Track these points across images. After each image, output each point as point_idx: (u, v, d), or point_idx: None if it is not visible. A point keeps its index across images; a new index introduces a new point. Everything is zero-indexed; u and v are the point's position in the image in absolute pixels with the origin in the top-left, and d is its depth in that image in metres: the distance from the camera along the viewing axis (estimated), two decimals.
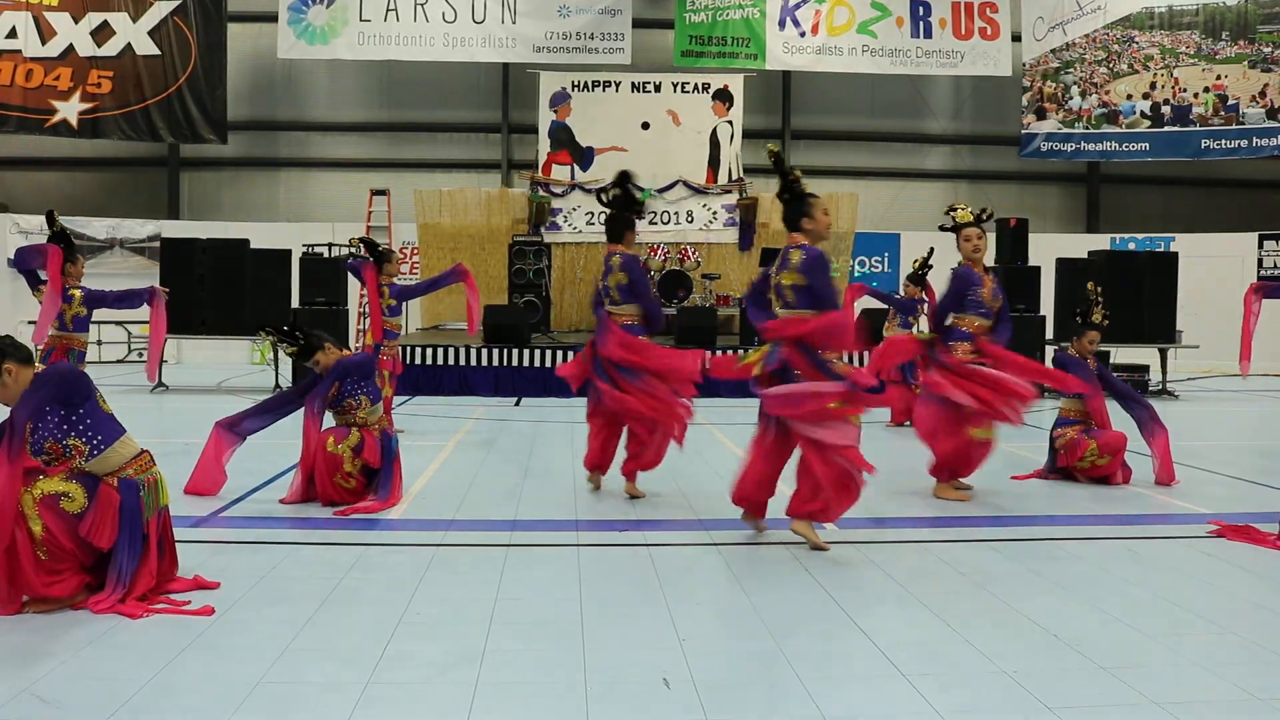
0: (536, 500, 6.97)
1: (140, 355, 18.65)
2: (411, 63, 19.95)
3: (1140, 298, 14.91)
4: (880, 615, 4.48)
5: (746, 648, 4.07)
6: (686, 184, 19.39)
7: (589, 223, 19.05)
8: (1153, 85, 19.97)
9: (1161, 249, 18.74)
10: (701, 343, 13.78)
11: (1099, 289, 8.28)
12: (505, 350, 14.15)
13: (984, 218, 7.38)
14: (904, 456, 8.59)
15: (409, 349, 13.90)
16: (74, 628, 4.13)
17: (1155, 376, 15.13)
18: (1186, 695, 3.60)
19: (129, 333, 18.88)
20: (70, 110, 19.12)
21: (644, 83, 19.57)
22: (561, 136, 19.44)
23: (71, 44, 19.09)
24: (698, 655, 3.93)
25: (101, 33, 19.19)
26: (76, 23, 19.07)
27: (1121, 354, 15.22)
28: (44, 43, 18.99)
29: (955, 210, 7.48)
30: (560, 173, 19.39)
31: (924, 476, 7.53)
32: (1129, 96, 20.10)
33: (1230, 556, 5.58)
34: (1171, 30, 19.90)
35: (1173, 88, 19.83)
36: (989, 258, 14.85)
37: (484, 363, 14.12)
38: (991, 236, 15.43)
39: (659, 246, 18.54)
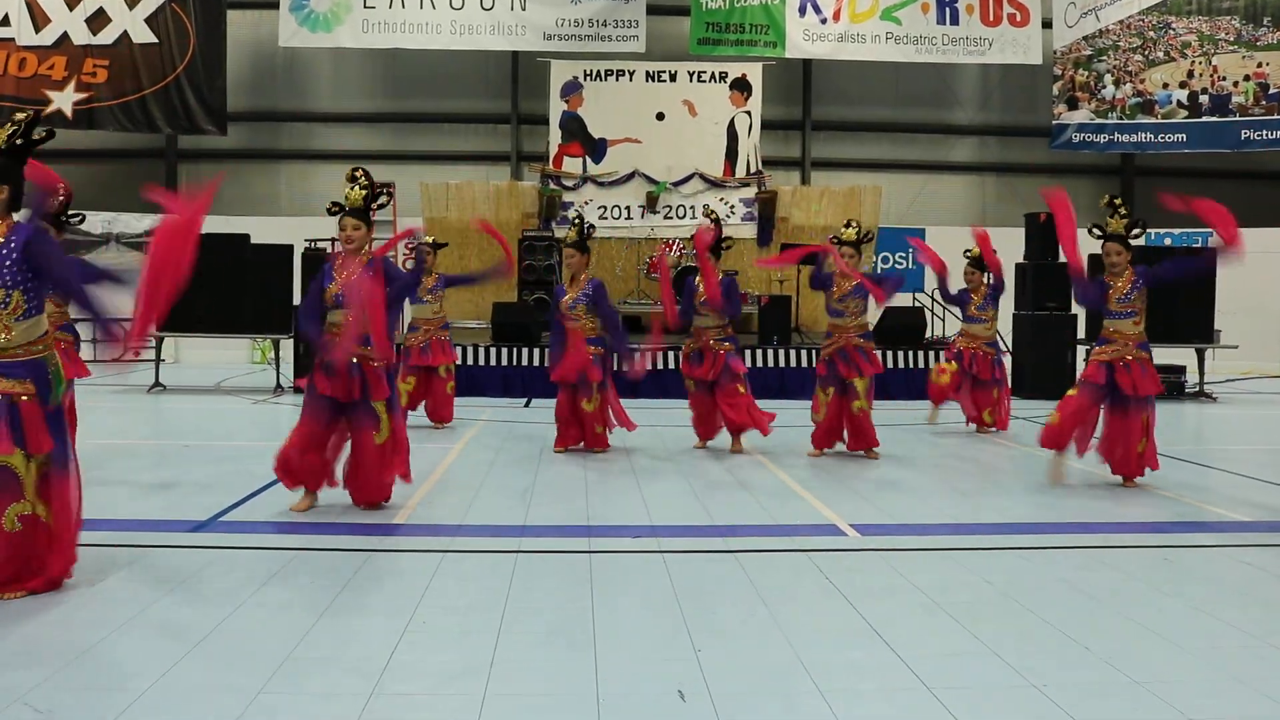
0: (547, 505, 6.83)
1: (137, 354, 18.05)
2: (417, 51, 19.42)
3: (1176, 296, 14.30)
4: (904, 626, 4.35)
5: (765, 659, 3.95)
6: (703, 177, 18.93)
7: (601, 217, 18.55)
8: (1190, 73, 19.37)
9: (1199, 245, 18.15)
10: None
11: (1117, 199, 7.79)
12: (514, 349, 13.87)
13: (864, 239, 8.87)
14: (934, 460, 8.94)
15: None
16: (68, 637, 4.05)
17: (1192, 378, 14.79)
18: (1223, 711, 3.50)
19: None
20: (65, 100, 18.58)
21: (659, 72, 19.08)
22: (573, 127, 18.96)
23: (66, 31, 18.53)
24: (714, 667, 3.83)
25: (97, 20, 18.62)
26: (71, 9, 18.50)
27: (1157, 354, 14.61)
28: (37, 30, 18.45)
29: (848, 228, 8.85)
30: (572, 165, 18.94)
31: (953, 483, 7.82)
32: (1165, 85, 19.50)
33: (1269, 566, 5.44)
34: (1210, 16, 19.30)
35: (1211, 76, 19.22)
36: (1019, 253, 14.56)
37: (493, 362, 13.85)
38: (1020, 232, 15.20)
39: (674, 242, 18.05)
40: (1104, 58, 19.73)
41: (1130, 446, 7.48)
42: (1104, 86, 19.74)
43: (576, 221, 9.12)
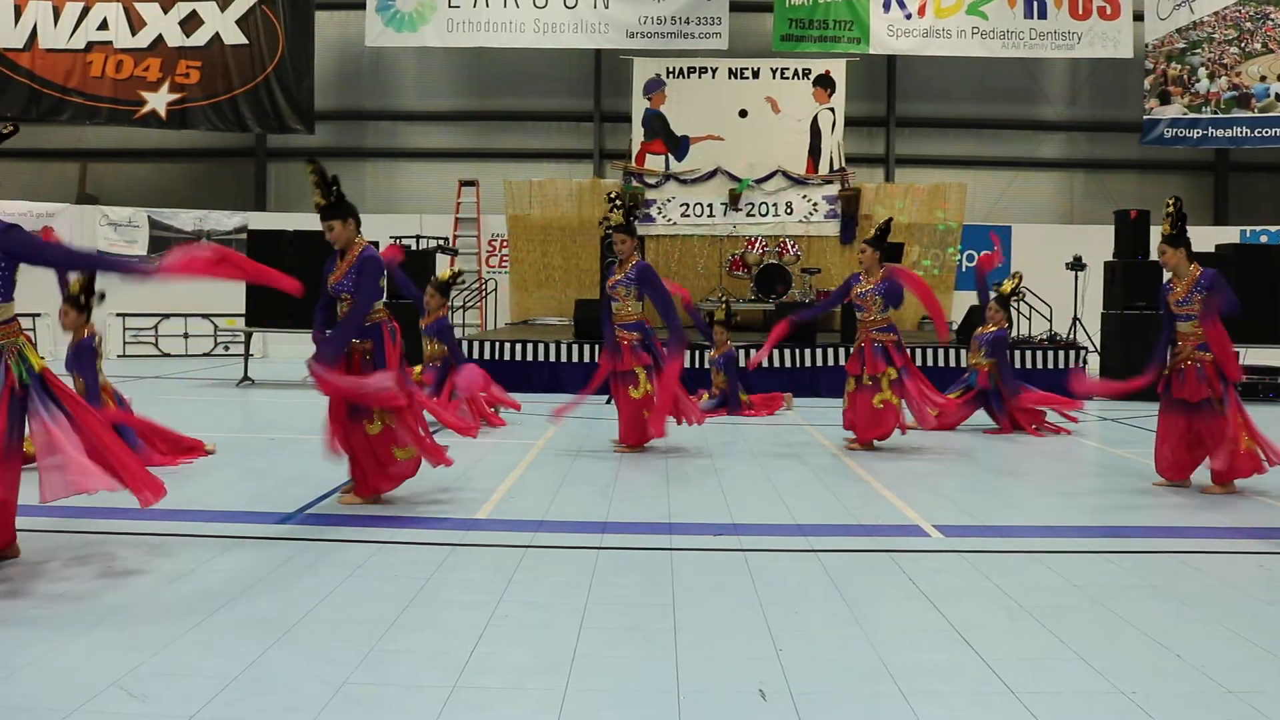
0: (628, 501, 6.81)
1: (226, 349, 18.49)
2: (501, 50, 19.50)
3: (1272, 295, 13.86)
4: (989, 628, 4.28)
5: (847, 660, 3.91)
6: (786, 174, 18.72)
7: (684, 214, 18.54)
8: None
9: None
10: (800, 340, 13.27)
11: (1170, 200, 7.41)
12: (597, 346, 13.72)
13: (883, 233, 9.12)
14: (1017, 461, 8.87)
15: (499, 344, 13.82)
16: (160, 625, 4.14)
17: None
18: None
19: (215, 325, 18.69)
20: (159, 101, 19.04)
21: (742, 69, 18.93)
22: (655, 125, 18.88)
23: (160, 34, 18.99)
24: (795, 666, 3.80)
25: (190, 22, 19.05)
26: (165, 13, 18.95)
27: (1251, 355, 14.24)
28: (134, 34, 18.93)
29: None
30: (654, 162, 18.86)
31: (1037, 484, 7.81)
32: (1262, 78, 18.82)
33: None
34: None
35: None
36: (1108, 251, 14.25)
37: (575, 359, 13.89)
38: (1109, 229, 14.86)
39: (756, 240, 17.94)
40: (1198, 50, 19.13)
41: (1179, 451, 7.33)
42: (1198, 80, 19.14)
43: (619, 204, 9.01)
